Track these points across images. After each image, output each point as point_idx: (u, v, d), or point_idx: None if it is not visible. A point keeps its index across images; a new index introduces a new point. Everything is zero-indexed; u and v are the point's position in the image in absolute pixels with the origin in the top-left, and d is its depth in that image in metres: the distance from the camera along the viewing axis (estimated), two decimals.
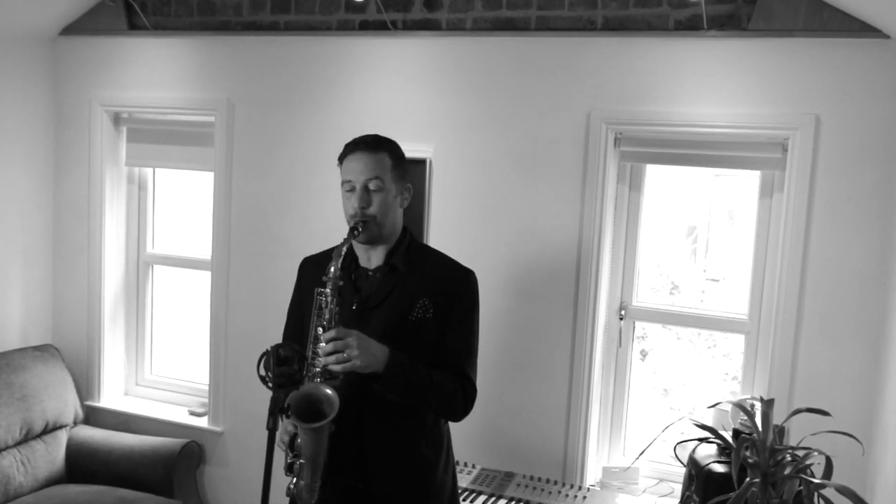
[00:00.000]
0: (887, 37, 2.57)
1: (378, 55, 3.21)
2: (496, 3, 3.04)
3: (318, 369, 1.96)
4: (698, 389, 3.46)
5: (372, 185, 2.04)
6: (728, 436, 2.34)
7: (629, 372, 3.14)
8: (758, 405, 2.10)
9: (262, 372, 1.93)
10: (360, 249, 2.14)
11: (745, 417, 2.14)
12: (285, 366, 1.92)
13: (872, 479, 2.60)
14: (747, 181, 3.05)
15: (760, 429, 2.02)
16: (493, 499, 2.84)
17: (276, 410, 1.89)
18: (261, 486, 1.94)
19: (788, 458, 2.01)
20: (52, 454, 3.49)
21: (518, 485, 2.95)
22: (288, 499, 2.06)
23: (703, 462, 2.36)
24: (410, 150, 2.15)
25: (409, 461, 2.09)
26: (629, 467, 3.00)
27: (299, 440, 1.98)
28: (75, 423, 3.66)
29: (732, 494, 1.93)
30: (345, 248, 2.01)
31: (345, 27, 3.27)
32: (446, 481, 2.17)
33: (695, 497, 2.35)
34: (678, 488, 2.78)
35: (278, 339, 2.19)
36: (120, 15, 3.59)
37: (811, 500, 1.87)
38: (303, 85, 3.34)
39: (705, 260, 3.55)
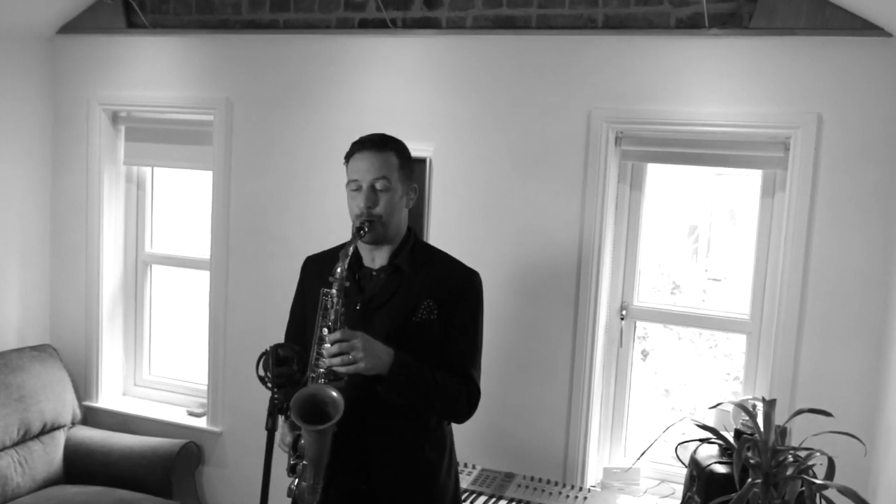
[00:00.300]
0: (889, 35, 2.56)
1: (378, 54, 3.20)
2: (496, 1, 3.03)
3: (322, 370, 1.94)
4: (700, 390, 3.46)
5: (378, 185, 2.02)
6: (730, 436, 2.33)
7: (630, 372, 3.12)
8: (759, 405, 2.09)
9: (261, 372, 1.92)
10: (364, 249, 2.12)
11: (747, 418, 2.13)
12: (284, 366, 1.92)
13: (875, 479, 2.59)
14: (749, 180, 3.04)
15: (762, 429, 2.01)
16: (493, 499, 2.82)
17: (274, 411, 1.89)
18: (260, 487, 1.93)
19: (790, 458, 2.00)
20: (49, 455, 3.48)
21: (518, 485, 2.94)
22: (289, 499, 2.05)
23: (705, 463, 2.35)
24: (410, 150, 2.15)
25: (412, 463, 2.08)
26: (630, 468, 2.99)
27: (302, 441, 1.96)
28: (73, 424, 3.64)
29: (734, 495, 1.92)
30: (352, 249, 1.99)
31: (344, 25, 3.26)
32: (449, 484, 2.16)
33: (696, 498, 2.34)
34: (679, 489, 2.77)
35: (277, 338, 2.17)
36: (118, 13, 3.57)
37: (813, 501, 1.87)
38: (302, 84, 3.33)
39: (707, 259, 3.54)
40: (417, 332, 2.04)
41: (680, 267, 3.48)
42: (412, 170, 2.13)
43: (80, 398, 3.74)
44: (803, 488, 1.91)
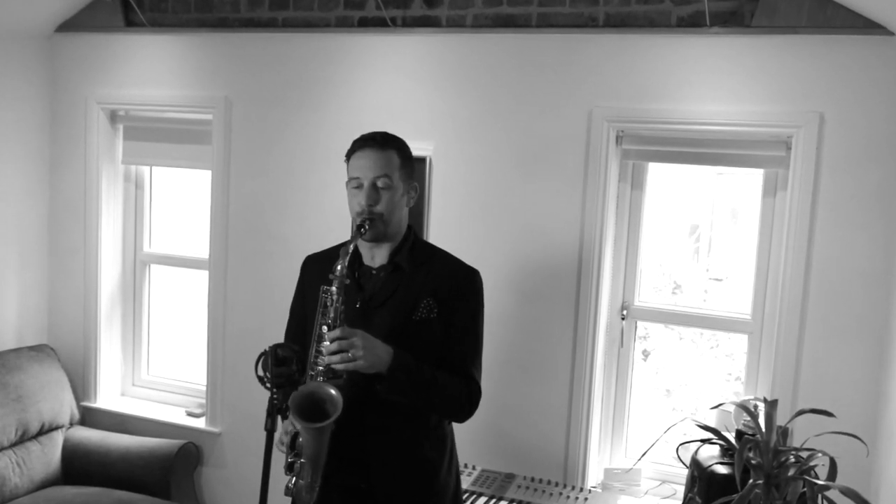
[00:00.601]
0: (892, 34, 2.55)
1: (377, 52, 3.19)
2: None
3: (321, 368, 1.94)
4: (701, 390, 3.44)
5: (380, 183, 2.02)
6: (731, 437, 2.31)
7: (631, 372, 3.11)
8: (761, 406, 2.09)
9: (261, 372, 1.92)
10: (364, 247, 2.12)
11: (749, 418, 2.12)
12: (284, 366, 1.90)
13: (877, 480, 2.58)
14: (750, 179, 3.03)
15: (764, 430, 2.01)
16: (493, 500, 2.81)
17: (274, 411, 1.88)
18: (258, 488, 1.92)
19: (792, 459, 1.99)
20: (47, 455, 3.47)
21: (519, 486, 2.93)
22: (287, 498, 2.04)
23: (706, 463, 2.34)
24: (411, 148, 2.14)
25: (411, 462, 2.07)
26: (631, 469, 2.98)
27: (300, 439, 1.95)
28: (71, 424, 3.63)
29: (735, 496, 1.91)
30: (352, 247, 1.99)
31: (344, 24, 3.25)
32: (449, 483, 2.16)
33: (697, 499, 2.33)
34: (681, 490, 2.76)
35: (277, 338, 2.16)
36: (116, 12, 3.56)
37: (815, 502, 1.86)
38: (301, 82, 3.32)
39: (708, 259, 3.53)
40: (417, 330, 2.03)
41: (681, 266, 3.47)
42: (413, 169, 2.13)
43: (78, 398, 3.73)
44: (805, 489, 1.90)
